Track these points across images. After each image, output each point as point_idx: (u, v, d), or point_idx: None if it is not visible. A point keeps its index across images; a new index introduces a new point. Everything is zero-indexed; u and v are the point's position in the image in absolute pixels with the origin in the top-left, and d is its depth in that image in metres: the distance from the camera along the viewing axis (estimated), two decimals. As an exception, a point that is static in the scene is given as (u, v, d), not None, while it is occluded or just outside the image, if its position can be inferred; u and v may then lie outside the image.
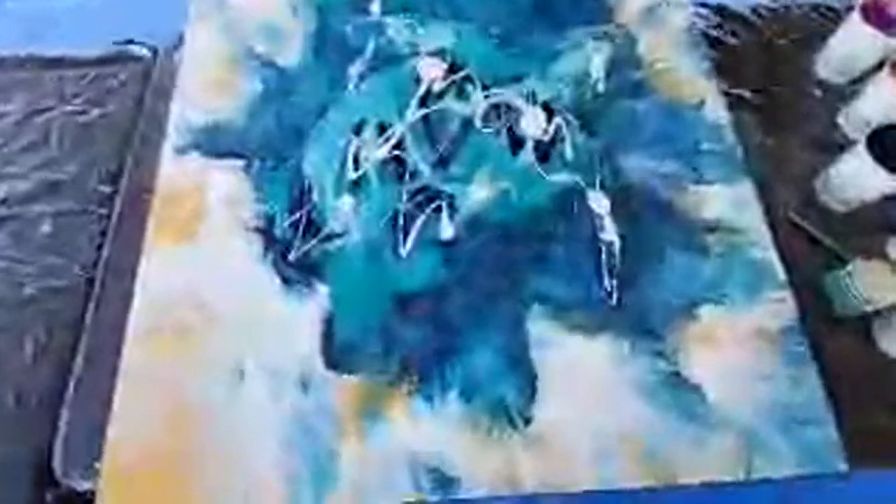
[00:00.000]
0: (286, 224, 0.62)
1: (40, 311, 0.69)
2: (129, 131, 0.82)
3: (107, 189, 0.77)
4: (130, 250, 0.68)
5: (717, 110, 0.69)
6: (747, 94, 0.76)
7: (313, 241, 0.61)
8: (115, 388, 0.56)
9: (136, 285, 0.59)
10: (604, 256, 0.60)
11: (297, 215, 0.63)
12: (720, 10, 0.86)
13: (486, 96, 0.68)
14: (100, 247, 0.74)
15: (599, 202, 0.62)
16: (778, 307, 0.59)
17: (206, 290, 0.58)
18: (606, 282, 0.59)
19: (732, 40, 0.83)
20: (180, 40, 0.81)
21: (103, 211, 0.75)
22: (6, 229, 0.74)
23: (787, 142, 0.73)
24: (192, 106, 0.70)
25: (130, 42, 0.95)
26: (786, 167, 0.72)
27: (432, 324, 0.58)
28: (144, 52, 0.91)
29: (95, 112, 0.84)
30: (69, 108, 0.83)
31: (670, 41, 0.74)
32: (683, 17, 0.76)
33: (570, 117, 0.67)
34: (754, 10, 0.88)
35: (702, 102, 0.70)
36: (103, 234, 0.73)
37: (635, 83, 0.72)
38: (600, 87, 0.70)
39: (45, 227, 0.75)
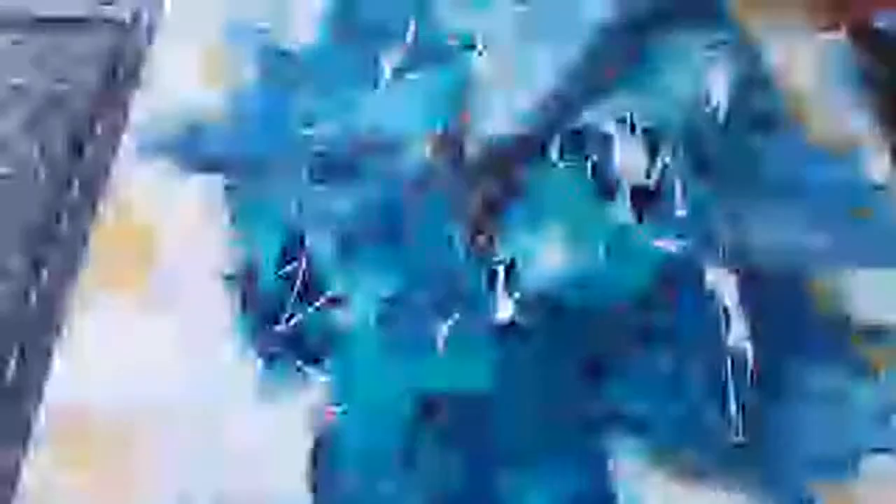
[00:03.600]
0: (275, 276, 0.45)
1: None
2: (90, 118, 0.65)
3: (52, 193, 0.61)
4: (72, 281, 0.52)
5: (878, 162, 0.51)
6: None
7: (312, 307, 0.44)
8: None
9: (55, 356, 0.42)
10: (728, 368, 0.43)
11: (293, 266, 0.46)
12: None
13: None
14: (36, 266, 0.58)
15: (723, 285, 0.44)
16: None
17: (148, 374, 0.41)
18: (731, 407, 0.42)
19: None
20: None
21: (46, 222, 0.59)
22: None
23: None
24: (163, 95, 0.53)
25: (109, 2, 0.78)
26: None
27: (472, 449, 0.41)
28: (124, 13, 0.74)
29: (55, 88, 0.67)
30: (20, 80, 0.66)
31: (812, 58, 0.56)
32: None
33: (681, 155, 0.49)
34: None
35: (857, 149, 0.52)
36: (44, 253, 0.57)
37: (764, 114, 0.53)
38: (719, 116, 0.52)
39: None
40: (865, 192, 0.49)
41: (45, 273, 0.56)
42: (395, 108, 0.51)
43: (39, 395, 0.42)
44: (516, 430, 0.40)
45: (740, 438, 0.40)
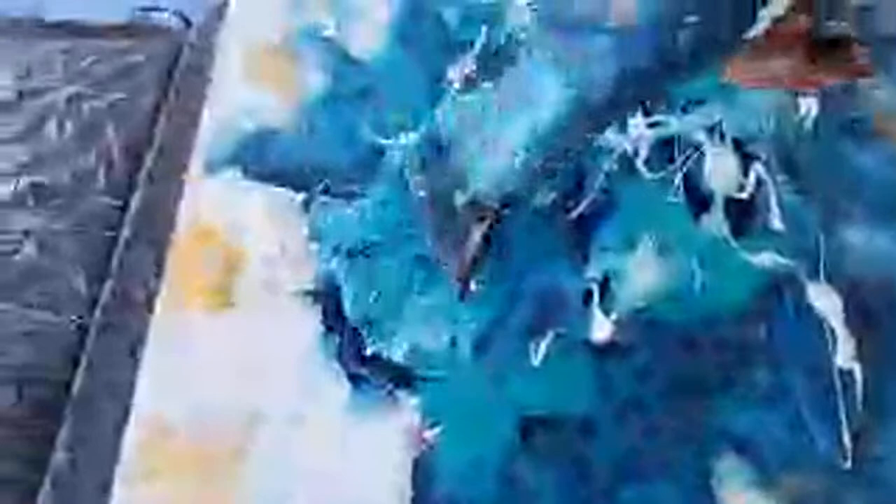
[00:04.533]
0: (357, 294, 0.44)
1: (10, 370, 0.52)
2: (148, 128, 0.64)
3: (112, 203, 0.60)
4: (138, 295, 0.51)
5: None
6: None
7: (398, 326, 0.43)
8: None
9: (138, 377, 0.41)
10: (837, 392, 0.41)
11: (376, 284, 0.44)
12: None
13: (652, 125, 0.49)
14: (98, 282, 0.57)
15: (828, 303, 0.43)
16: None
17: (234, 397, 0.39)
18: (841, 430, 0.40)
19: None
20: (221, 10, 0.63)
21: (106, 234, 0.59)
22: (-22, 247, 0.57)
23: None
24: (232, 103, 0.52)
25: (156, 9, 0.77)
26: None
27: (573, 470, 0.40)
28: (174, 22, 0.73)
29: (107, 98, 0.66)
30: (72, 89, 0.65)
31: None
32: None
33: (775, 167, 0.47)
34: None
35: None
36: (105, 267, 0.56)
37: (856, 122, 0.52)
38: (808, 125, 0.50)
39: (27, 250, 0.57)
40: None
41: (112, 287, 0.55)
42: (463, 118, 0.49)
43: (124, 410, 0.41)
44: (617, 452, 0.39)
45: (849, 464, 0.39)
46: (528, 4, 0.52)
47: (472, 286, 0.43)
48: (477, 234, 0.43)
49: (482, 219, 0.44)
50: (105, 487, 0.42)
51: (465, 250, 0.43)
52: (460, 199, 0.46)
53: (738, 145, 0.47)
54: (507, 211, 0.45)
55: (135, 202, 0.59)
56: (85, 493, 0.45)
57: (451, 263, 0.43)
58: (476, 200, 0.45)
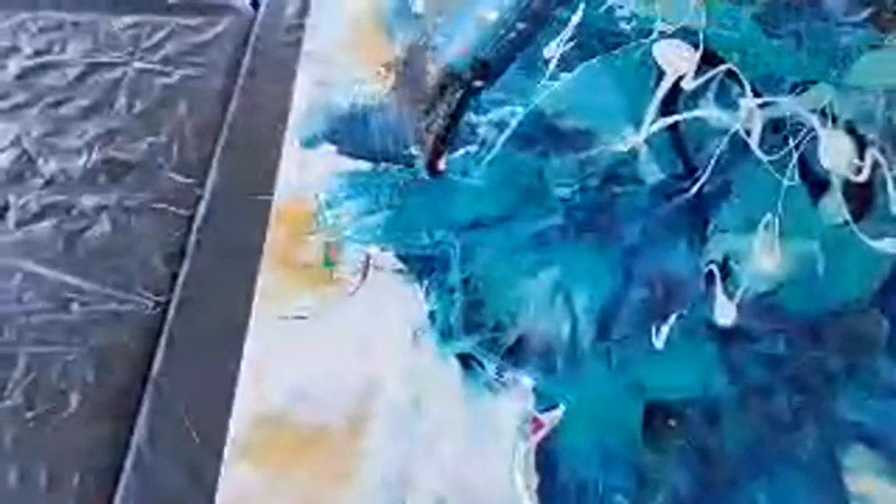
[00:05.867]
0: (462, 276, 0.43)
1: (89, 349, 0.50)
2: (220, 106, 0.63)
3: (186, 181, 0.58)
4: (219, 271, 0.50)
5: None
6: None
7: (506, 307, 0.42)
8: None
9: (243, 363, 0.39)
10: None
11: (474, 263, 0.42)
12: None
13: (763, 105, 0.47)
14: (176, 260, 0.56)
15: (954, 289, 0.41)
16: None
17: (344, 376, 0.38)
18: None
19: None
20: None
21: (182, 212, 0.57)
22: (49, 223, 0.55)
23: None
24: (325, 75, 0.50)
25: (222, -13, 0.75)
26: None
27: (700, 459, 0.38)
28: (241, 2, 0.72)
29: (177, 74, 0.64)
30: (142, 65, 0.63)
31: None
32: None
33: (890, 150, 0.46)
34: None
35: None
36: (181, 246, 0.55)
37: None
38: (917, 108, 0.49)
39: (102, 227, 0.56)
40: None
41: (186, 268, 0.54)
42: (565, 98, 0.48)
43: (227, 404, 0.40)
44: (747, 441, 0.37)
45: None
46: None
47: (442, 164, 0.43)
48: (444, 107, 0.42)
49: (448, 89, 0.42)
50: (189, 468, 0.40)
51: (432, 123, 0.41)
52: (432, 68, 0.45)
53: (851, 130, 0.46)
54: (479, 83, 0.44)
55: (210, 180, 0.58)
56: (166, 475, 0.43)
57: (423, 137, 0.42)
58: (448, 70, 0.44)
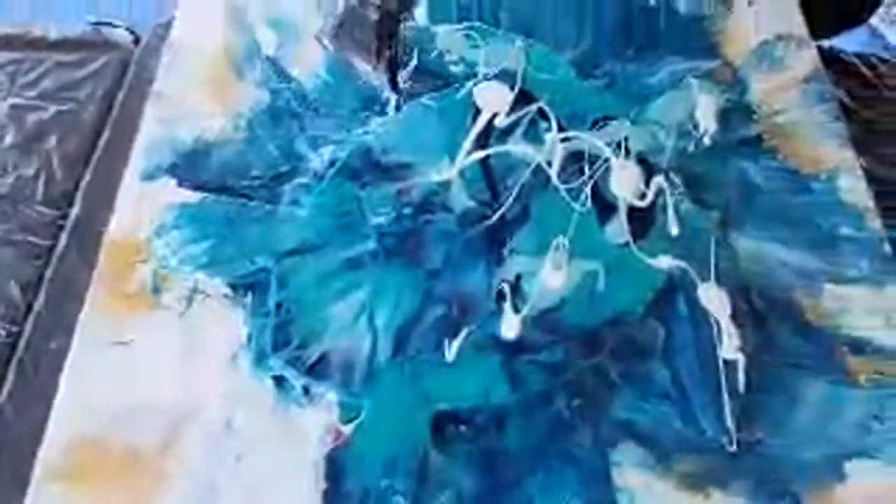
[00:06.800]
0: (277, 299, 0.45)
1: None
2: (92, 139, 0.65)
3: (51, 213, 0.60)
4: (70, 304, 0.51)
5: (855, 186, 0.55)
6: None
7: (317, 328, 0.45)
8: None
9: (61, 380, 0.42)
10: (722, 380, 0.45)
11: (290, 287, 0.46)
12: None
13: (564, 139, 0.52)
14: (33, 290, 0.57)
15: (715, 301, 0.46)
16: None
17: (162, 399, 0.40)
18: (726, 417, 0.44)
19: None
20: (168, 26, 0.65)
21: (44, 243, 0.58)
22: None
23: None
24: (172, 113, 0.53)
25: (108, 24, 0.78)
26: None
27: (483, 461, 0.42)
28: (124, 38, 0.75)
29: (52, 109, 0.66)
30: (16, 100, 0.66)
31: (790, 89, 0.60)
32: (808, 59, 0.61)
33: (674, 178, 0.52)
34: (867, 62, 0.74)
35: (835, 173, 0.55)
36: (39, 276, 0.56)
37: (747, 140, 0.56)
38: (706, 141, 0.55)
39: (-38, 258, 0.57)
40: (846, 212, 0.52)
41: (42, 298, 0.56)
42: (396, 136, 0.52)
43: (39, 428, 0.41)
44: (526, 444, 0.41)
45: (734, 447, 0.42)
46: None
47: (402, 79, 0.54)
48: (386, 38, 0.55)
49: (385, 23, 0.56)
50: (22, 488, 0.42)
51: (381, 54, 0.55)
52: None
53: (641, 160, 0.51)
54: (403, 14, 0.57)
55: (73, 212, 0.60)
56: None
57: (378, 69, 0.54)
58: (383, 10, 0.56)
